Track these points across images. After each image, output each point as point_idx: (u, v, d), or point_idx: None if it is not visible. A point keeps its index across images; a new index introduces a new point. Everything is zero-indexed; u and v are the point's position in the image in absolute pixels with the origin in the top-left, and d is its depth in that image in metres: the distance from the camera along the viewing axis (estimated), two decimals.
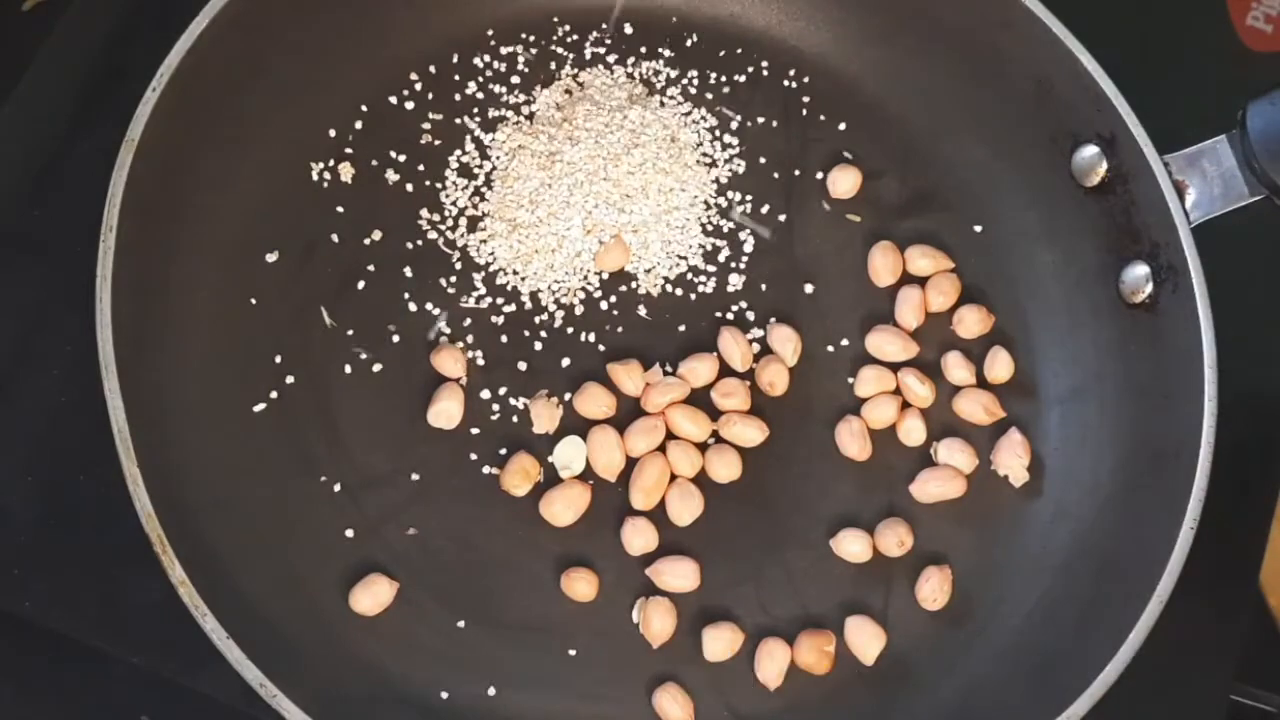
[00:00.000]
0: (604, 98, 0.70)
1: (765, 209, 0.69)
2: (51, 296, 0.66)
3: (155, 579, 0.55)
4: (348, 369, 0.64)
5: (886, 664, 0.62)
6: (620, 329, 0.67)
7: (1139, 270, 0.65)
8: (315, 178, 0.67)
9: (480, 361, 0.65)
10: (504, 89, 0.70)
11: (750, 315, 0.67)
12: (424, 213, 0.67)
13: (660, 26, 0.72)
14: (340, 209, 0.67)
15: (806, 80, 0.72)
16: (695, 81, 0.71)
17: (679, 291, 0.67)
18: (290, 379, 0.64)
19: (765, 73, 0.72)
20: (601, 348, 0.66)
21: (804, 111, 0.71)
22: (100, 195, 0.58)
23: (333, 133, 0.68)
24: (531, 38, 0.71)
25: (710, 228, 0.69)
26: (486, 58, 0.71)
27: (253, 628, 0.56)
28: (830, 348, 0.67)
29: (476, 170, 0.68)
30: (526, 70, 0.71)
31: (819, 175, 0.70)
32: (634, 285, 0.67)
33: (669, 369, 0.66)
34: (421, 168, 0.68)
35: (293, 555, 0.61)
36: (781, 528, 0.64)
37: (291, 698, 0.54)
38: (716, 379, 0.65)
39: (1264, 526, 0.69)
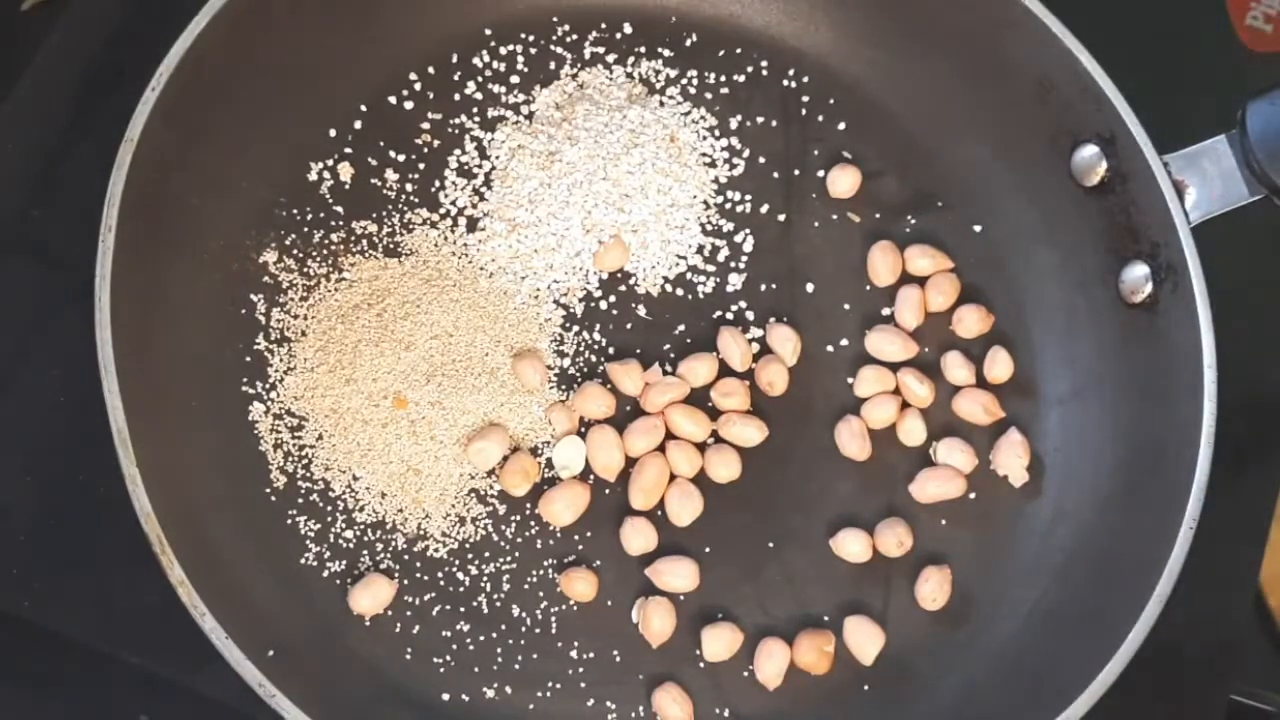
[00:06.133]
0: (603, 97, 0.69)
1: (765, 209, 0.69)
2: (51, 296, 0.66)
3: (155, 579, 0.55)
4: None
5: (886, 664, 0.62)
6: (620, 329, 0.66)
7: (1139, 270, 0.65)
8: (314, 177, 0.67)
9: None
10: (503, 89, 0.70)
11: (750, 315, 0.67)
12: (423, 212, 0.67)
13: (660, 26, 0.72)
14: (339, 209, 0.67)
15: (806, 80, 0.72)
16: (695, 81, 0.71)
17: (679, 291, 0.67)
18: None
19: (765, 73, 0.72)
20: (600, 347, 0.66)
21: (804, 111, 0.71)
22: (100, 195, 0.58)
23: (332, 133, 0.68)
24: (531, 37, 0.71)
25: (710, 227, 0.69)
26: (486, 57, 0.70)
27: (252, 628, 0.56)
28: (830, 348, 0.67)
29: (476, 170, 0.68)
30: (526, 70, 0.71)
31: (819, 175, 0.70)
32: (633, 285, 0.67)
33: (668, 369, 0.66)
34: (421, 168, 0.68)
35: (292, 555, 0.61)
36: (781, 528, 0.64)
37: (290, 698, 0.54)
38: (716, 379, 0.65)
39: (1264, 526, 0.69)
